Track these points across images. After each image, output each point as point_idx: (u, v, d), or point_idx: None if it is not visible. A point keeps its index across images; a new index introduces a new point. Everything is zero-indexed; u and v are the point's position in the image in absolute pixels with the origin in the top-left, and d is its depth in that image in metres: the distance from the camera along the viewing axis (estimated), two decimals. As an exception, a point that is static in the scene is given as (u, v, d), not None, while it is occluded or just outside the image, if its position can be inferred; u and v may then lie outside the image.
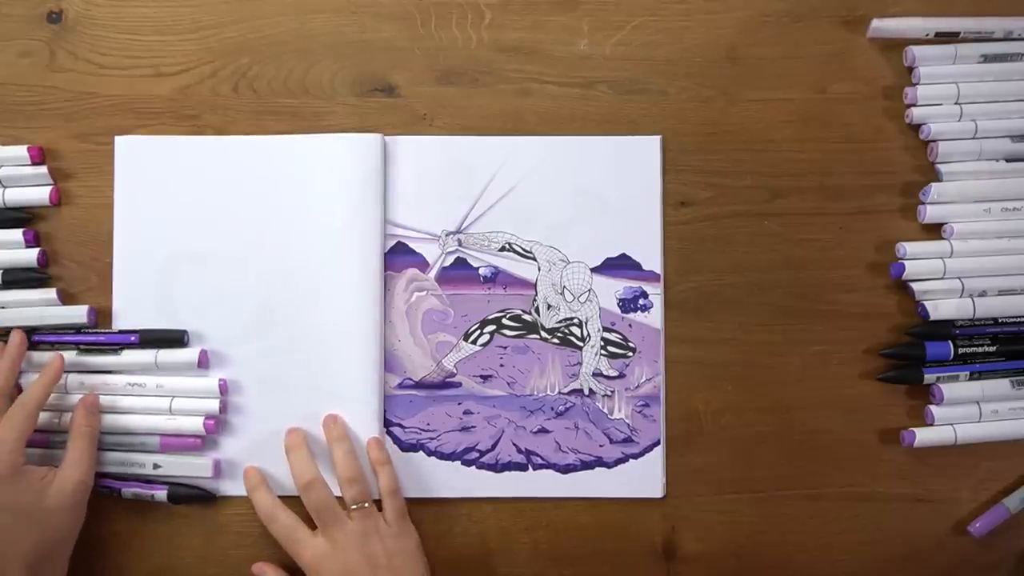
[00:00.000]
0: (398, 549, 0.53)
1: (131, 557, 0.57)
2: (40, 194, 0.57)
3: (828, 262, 0.58)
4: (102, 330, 0.57)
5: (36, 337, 0.56)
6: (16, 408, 0.52)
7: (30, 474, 0.51)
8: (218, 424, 0.56)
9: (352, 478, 0.54)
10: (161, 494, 0.56)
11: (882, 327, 0.58)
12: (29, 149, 0.57)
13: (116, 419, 0.56)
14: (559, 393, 0.58)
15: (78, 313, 0.57)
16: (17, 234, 0.57)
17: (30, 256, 0.57)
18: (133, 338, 0.56)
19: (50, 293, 0.57)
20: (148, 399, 0.56)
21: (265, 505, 0.54)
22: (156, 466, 0.56)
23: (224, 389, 0.56)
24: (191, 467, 0.56)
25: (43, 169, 0.57)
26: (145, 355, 0.56)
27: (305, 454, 0.55)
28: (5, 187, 0.57)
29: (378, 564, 0.52)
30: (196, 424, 0.56)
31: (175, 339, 0.56)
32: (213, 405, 0.56)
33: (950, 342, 0.57)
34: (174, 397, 0.56)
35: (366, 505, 0.53)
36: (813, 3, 0.59)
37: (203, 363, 0.56)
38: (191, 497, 0.56)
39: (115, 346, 0.56)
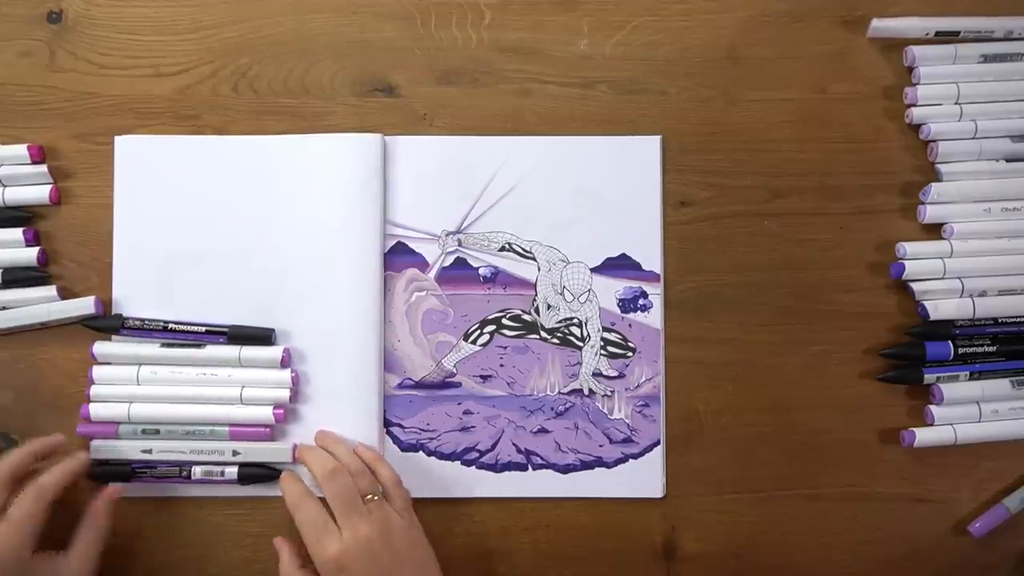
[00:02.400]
0: (414, 539, 0.53)
1: (131, 557, 0.57)
2: (40, 193, 0.57)
3: (828, 262, 0.58)
4: (189, 323, 0.57)
5: (123, 331, 0.56)
6: (31, 491, 0.51)
7: (38, 562, 0.50)
8: (287, 414, 0.56)
9: (361, 470, 0.53)
10: (232, 471, 0.56)
11: (882, 327, 0.58)
12: (29, 148, 0.57)
13: (190, 408, 0.56)
14: (559, 393, 0.58)
15: (85, 305, 0.56)
16: (17, 233, 0.57)
17: (30, 255, 0.57)
18: (222, 339, 0.56)
19: (50, 291, 0.57)
20: (220, 389, 0.56)
21: (295, 492, 0.53)
22: (235, 453, 0.56)
23: (296, 380, 0.57)
24: (270, 452, 0.56)
25: (43, 168, 0.57)
26: (229, 351, 0.56)
27: (322, 452, 0.55)
28: (5, 186, 0.57)
29: (401, 556, 0.51)
30: (266, 414, 0.56)
31: (263, 337, 0.56)
32: (284, 394, 0.56)
33: (950, 342, 0.57)
34: (244, 387, 0.56)
35: (376, 497, 0.53)
36: (813, 3, 0.59)
37: (286, 362, 0.57)
38: (261, 476, 0.56)
39: (199, 343, 0.57)
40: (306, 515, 0.52)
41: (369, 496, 0.52)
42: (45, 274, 0.57)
